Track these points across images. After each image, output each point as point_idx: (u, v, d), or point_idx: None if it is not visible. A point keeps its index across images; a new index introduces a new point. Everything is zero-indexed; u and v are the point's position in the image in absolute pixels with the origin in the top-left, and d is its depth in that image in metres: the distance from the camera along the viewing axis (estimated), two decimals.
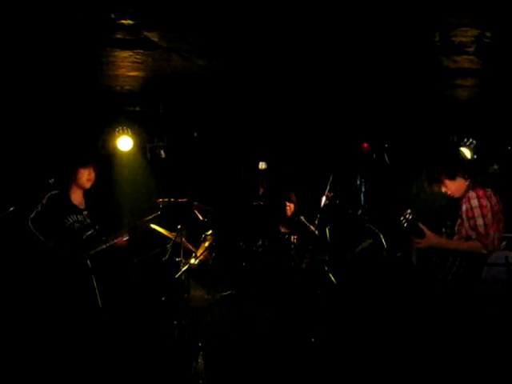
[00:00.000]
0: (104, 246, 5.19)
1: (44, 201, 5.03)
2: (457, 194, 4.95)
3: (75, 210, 5.25)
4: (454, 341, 4.76)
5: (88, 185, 5.24)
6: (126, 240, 5.30)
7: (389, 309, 6.20)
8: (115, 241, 5.23)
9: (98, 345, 5.20)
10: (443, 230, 5.17)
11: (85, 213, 5.32)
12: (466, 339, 4.66)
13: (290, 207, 6.92)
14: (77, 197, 5.28)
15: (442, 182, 4.94)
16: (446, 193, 4.98)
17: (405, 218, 4.94)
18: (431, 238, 4.89)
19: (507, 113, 6.87)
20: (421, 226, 4.87)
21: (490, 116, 7.09)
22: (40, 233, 4.96)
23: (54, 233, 5.06)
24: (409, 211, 4.96)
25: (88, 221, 5.32)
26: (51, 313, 5.01)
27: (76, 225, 5.22)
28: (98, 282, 5.16)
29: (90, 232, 5.30)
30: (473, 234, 4.72)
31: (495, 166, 7.23)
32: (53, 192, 5.13)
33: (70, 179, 5.23)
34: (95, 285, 5.13)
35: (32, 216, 4.95)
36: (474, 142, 7.02)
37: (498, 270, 4.44)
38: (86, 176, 5.21)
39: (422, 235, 4.89)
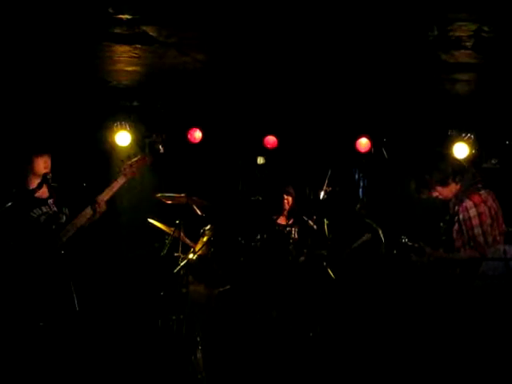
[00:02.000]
0: (74, 230, 5.11)
1: (7, 204, 4.92)
2: (449, 197, 5.00)
3: (38, 202, 5.12)
4: (452, 337, 4.77)
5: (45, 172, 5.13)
6: (89, 217, 5.20)
7: (387, 304, 6.21)
8: (81, 220, 5.15)
9: (97, 340, 5.20)
10: (441, 224, 5.18)
11: (50, 201, 5.16)
12: (464, 335, 4.67)
13: (288, 200, 6.92)
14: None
15: (433, 189, 4.97)
16: (436, 197, 5.02)
17: (402, 243, 4.99)
18: (431, 253, 4.93)
19: (506, 107, 6.87)
20: (417, 245, 4.91)
21: (488, 110, 7.09)
22: (7, 234, 4.91)
23: (21, 231, 4.98)
24: (403, 237, 5.00)
25: (54, 209, 5.19)
26: (32, 311, 4.93)
27: (42, 217, 5.09)
28: (75, 278, 5.07)
29: (58, 220, 5.18)
30: (471, 243, 4.76)
31: (493, 161, 7.23)
32: (13, 191, 5.03)
33: (27, 170, 5.11)
34: (71, 283, 5.04)
35: None
36: (473, 136, 7.01)
37: (496, 265, 4.45)
38: (43, 164, 5.09)
39: (422, 254, 4.92)
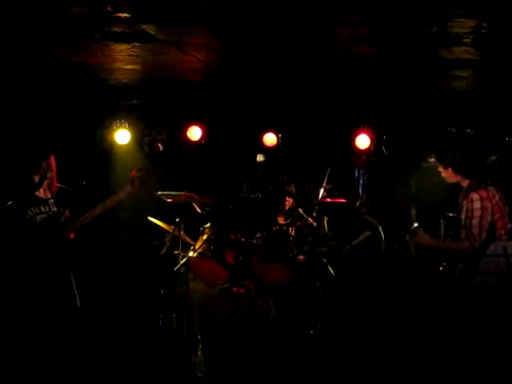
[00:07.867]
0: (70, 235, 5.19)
1: (7, 204, 5.00)
2: (450, 181, 5.01)
3: (38, 201, 5.16)
4: (452, 333, 4.77)
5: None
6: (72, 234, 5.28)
7: (387, 301, 6.21)
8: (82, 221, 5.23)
9: (97, 338, 5.21)
10: (441, 220, 5.17)
11: (51, 201, 5.19)
12: (464, 331, 4.67)
13: (290, 201, 6.92)
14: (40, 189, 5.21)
15: (446, 168, 4.96)
16: (438, 174, 5.03)
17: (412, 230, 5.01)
18: (423, 238, 4.93)
19: (506, 104, 6.87)
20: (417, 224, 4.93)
21: (488, 107, 7.09)
22: (6, 234, 4.96)
23: (19, 231, 5.02)
24: (416, 225, 5.00)
25: (54, 209, 5.22)
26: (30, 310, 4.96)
27: (39, 216, 5.13)
28: (77, 277, 5.11)
29: (57, 220, 5.21)
30: (463, 233, 4.76)
31: (493, 157, 7.24)
32: (14, 190, 5.09)
33: (33, 170, 5.16)
34: (73, 280, 5.09)
35: None
36: (472, 132, 7.02)
37: (497, 261, 4.44)
38: (45, 166, 5.13)
39: (414, 234, 4.94)
